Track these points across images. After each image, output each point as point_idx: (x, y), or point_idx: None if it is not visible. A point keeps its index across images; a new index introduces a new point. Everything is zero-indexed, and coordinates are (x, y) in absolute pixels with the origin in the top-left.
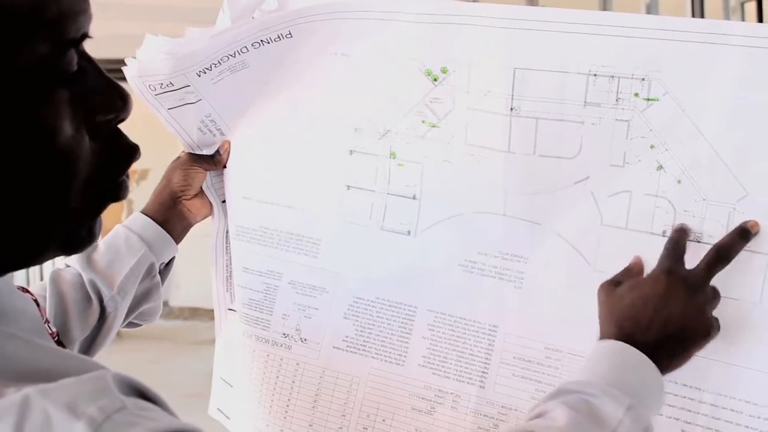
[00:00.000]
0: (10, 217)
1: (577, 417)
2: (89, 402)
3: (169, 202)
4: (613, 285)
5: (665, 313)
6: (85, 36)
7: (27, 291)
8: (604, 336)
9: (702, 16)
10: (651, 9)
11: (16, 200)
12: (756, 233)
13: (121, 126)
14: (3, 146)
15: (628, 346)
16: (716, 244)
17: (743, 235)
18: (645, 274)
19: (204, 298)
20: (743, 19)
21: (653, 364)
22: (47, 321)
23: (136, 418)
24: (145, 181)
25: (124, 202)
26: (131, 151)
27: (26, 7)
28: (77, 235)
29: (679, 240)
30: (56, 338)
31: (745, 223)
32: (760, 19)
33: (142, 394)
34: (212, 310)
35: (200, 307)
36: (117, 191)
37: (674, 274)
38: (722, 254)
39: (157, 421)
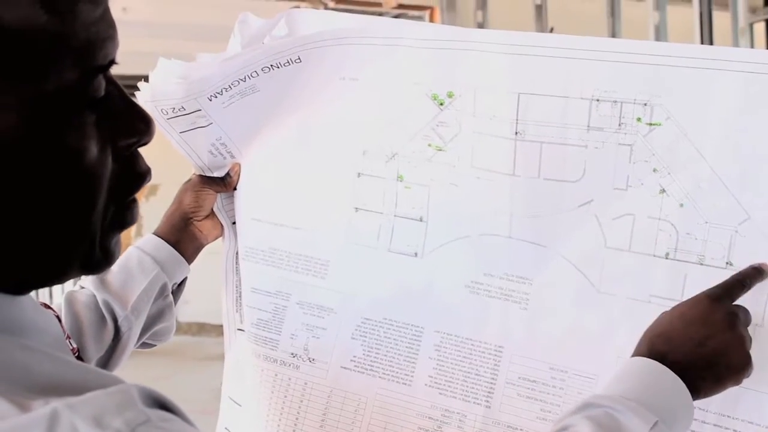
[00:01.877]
0: (36, 236)
1: (598, 430)
2: (115, 415)
3: (180, 224)
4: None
5: (702, 335)
6: (113, 62)
7: (49, 307)
8: (636, 354)
9: (711, 37)
10: (660, 30)
11: (42, 220)
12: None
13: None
14: (32, 168)
15: (658, 363)
16: (740, 275)
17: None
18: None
19: (211, 314)
20: (752, 40)
21: (683, 383)
22: (68, 337)
23: (159, 430)
24: (154, 197)
25: None
26: (145, 175)
27: (56, 36)
28: (96, 256)
29: (745, 277)
30: (77, 354)
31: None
32: None
33: (163, 405)
34: (220, 326)
35: (208, 322)
36: (127, 215)
37: (720, 301)
38: (745, 285)
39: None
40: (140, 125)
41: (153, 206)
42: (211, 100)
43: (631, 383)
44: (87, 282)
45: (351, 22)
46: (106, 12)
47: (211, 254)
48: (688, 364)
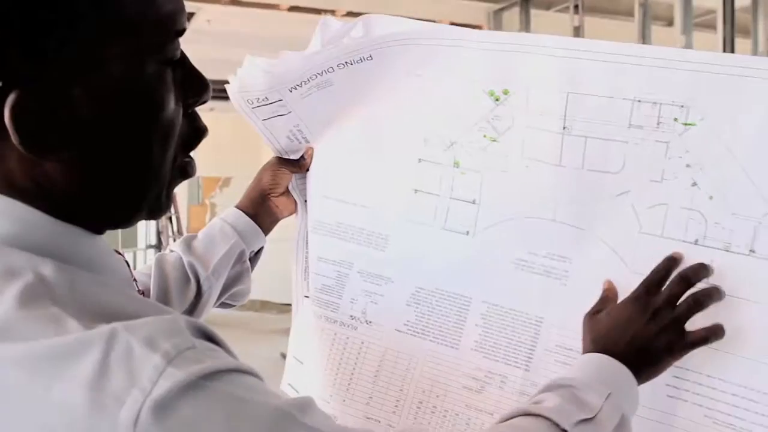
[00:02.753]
0: (121, 179)
1: (564, 402)
2: (165, 339)
3: (259, 199)
4: (594, 314)
5: (630, 334)
6: (185, 30)
7: (119, 253)
8: (585, 351)
9: None
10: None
11: (127, 164)
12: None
13: (211, 141)
14: (124, 115)
15: (606, 356)
16: (656, 270)
17: (705, 268)
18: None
19: (274, 293)
20: None
21: (627, 369)
22: (135, 279)
23: (203, 356)
24: (227, 188)
25: (208, 207)
26: (204, 130)
27: (150, 3)
28: (163, 200)
29: (660, 270)
30: (141, 294)
31: (678, 254)
32: None
33: (209, 337)
34: (281, 304)
35: (270, 300)
36: (187, 168)
37: (640, 301)
38: (685, 281)
39: (219, 360)
40: (203, 86)
41: (227, 196)
42: (291, 92)
43: (587, 371)
44: (176, 246)
45: (419, 26)
46: None
47: (274, 242)
48: (629, 357)
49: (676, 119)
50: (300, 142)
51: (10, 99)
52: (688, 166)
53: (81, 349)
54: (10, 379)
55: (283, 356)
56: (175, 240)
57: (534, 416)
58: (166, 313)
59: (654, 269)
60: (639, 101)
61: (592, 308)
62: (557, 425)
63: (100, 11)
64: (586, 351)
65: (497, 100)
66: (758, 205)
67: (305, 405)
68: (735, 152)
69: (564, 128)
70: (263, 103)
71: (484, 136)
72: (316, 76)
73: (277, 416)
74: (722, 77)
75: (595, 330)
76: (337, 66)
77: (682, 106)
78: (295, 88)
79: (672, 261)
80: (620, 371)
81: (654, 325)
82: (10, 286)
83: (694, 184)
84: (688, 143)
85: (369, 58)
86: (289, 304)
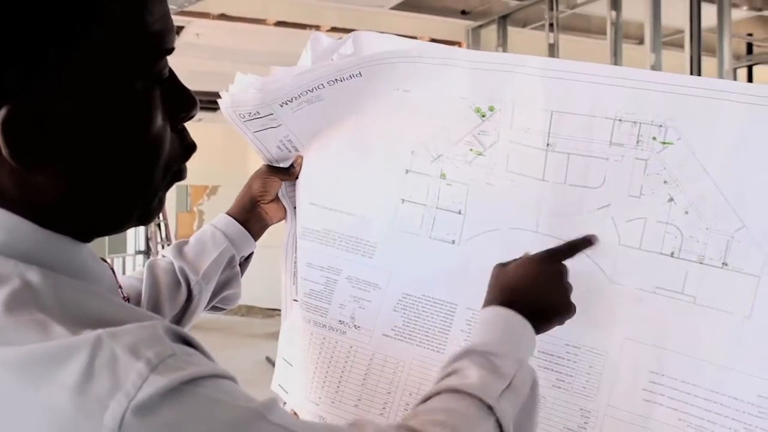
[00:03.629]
0: (110, 189)
1: (485, 375)
2: (147, 347)
3: (249, 205)
4: (502, 266)
5: (542, 288)
6: (173, 49)
7: (104, 260)
8: (490, 302)
9: (699, 76)
10: (655, 70)
11: (116, 175)
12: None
13: (199, 151)
14: (115, 130)
15: (511, 311)
16: (572, 243)
17: (587, 243)
18: None
19: (259, 299)
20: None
21: (530, 325)
22: (120, 287)
23: (183, 363)
24: (215, 196)
25: (196, 214)
26: (193, 146)
27: (141, 26)
28: (151, 209)
29: (576, 245)
30: (127, 302)
31: (592, 236)
32: (750, 81)
33: (187, 341)
34: (266, 309)
35: (255, 305)
36: (180, 173)
37: (554, 262)
38: (573, 251)
39: (198, 366)
40: (191, 102)
41: (214, 204)
42: (282, 107)
43: (496, 332)
44: (167, 251)
45: (408, 44)
46: (168, 9)
47: (260, 248)
48: (530, 310)
49: (654, 138)
50: (290, 151)
51: (2, 114)
52: (665, 182)
53: (67, 354)
54: None
55: (269, 360)
56: (163, 246)
57: (460, 394)
58: (147, 320)
59: (570, 242)
60: (620, 120)
61: (501, 263)
62: (482, 401)
63: (91, 30)
64: (493, 300)
65: (483, 116)
66: (730, 220)
67: (272, 405)
68: (709, 170)
69: (548, 145)
70: (254, 117)
71: (471, 149)
72: (307, 92)
73: (250, 416)
74: (698, 99)
75: (505, 279)
76: (327, 83)
77: (660, 126)
78: (286, 103)
79: (587, 242)
80: (525, 329)
81: (559, 285)
82: None
83: (671, 199)
84: (666, 161)
85: (358, 75)
86: (275, 309)
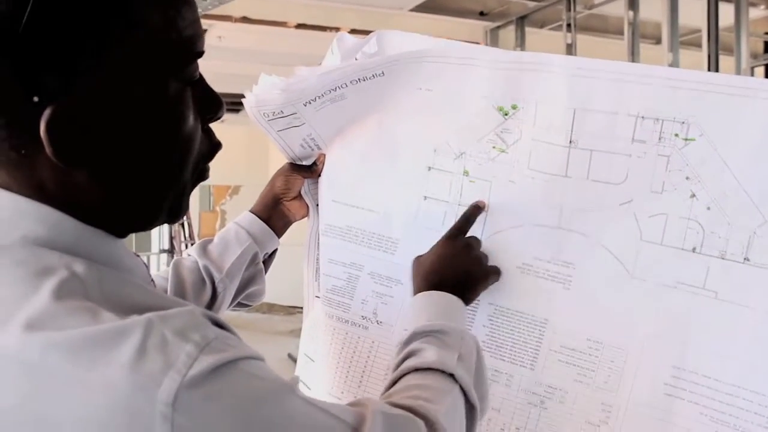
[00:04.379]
0: (142, 186)
1: (436, 349)
2: (193, 331)
3: (272, 203)
4: (417, 258)
5: (455, 264)
6: (203, 53)
7: (138, 256)
8: (419, 290)
9: None
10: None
11: (148, 173)
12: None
13: (222, 151)
14: (146, 130)
15: (438, 292)
16: (465, 215)
17: (478, 209)
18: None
19: (281, 296)
20: None
21: (458, 299)
22: (152, 279)
23: (225, 345)
24: (237, 195)
25: (218, 213)
26: (219, 145)
27: (176, 30)
28: (181, 207)
29: (469, 216)
30: None
31: (480, 201)
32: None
33: (222, 327)
34: (287, 306)
35: (277, 303)
36: (204, 172)
37: (458, 239)
38: (468, 221)
39: (238, 348)
40: (218, 104)
41: (236, 203)
42: (306, 106)
43: (433, 312)
44: (192, 250)
45: (430, 43)
46: (198, 15)
47: (281, 246)
48: (455, 286)
49: (676, 135)
50: (313, 149)
51: (46, 114)
52: (687, 178)
53: (119, 335)
54: (52, 362)
55: (290, 356)
56: (186, 245)
57: (424, 371)
58: (185, 306)
59: (463, 214)
60: (642, 117)
61: (418, 255)
62: (444, 372)
63: (128, 34)
64: (420, 288)
65: (506, 114)
66: (753, 216)
67: (296, 382)
68: (731, 166)
69: (570, 142)
70: (278, 116)
71: (493, 147)
72: (330, 92)
73: (281, 389)
74: (720, 96)
75: (423, 269)
76: (351, 82)
77: (682, 123)
78: (310, 103)
79: (476, 208)
80: (455, 303)
81: (469, 257)
82: (46, 282)
83: (693, 195)
84: (688, 157)
85: (381, 75)
86: (296, 307)
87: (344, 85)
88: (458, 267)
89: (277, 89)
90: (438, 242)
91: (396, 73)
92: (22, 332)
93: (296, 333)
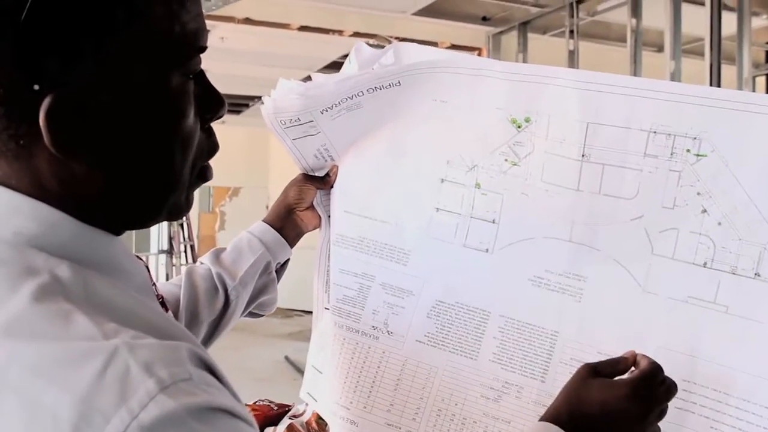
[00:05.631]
0: (140, 181)
1: None
2: (163, 366)
3: (285, 213)
4: (592, 372)
5: (615, 431)
6: (206, 47)
7: (140, 258)
8: (554, 412)
9: (719, 86)
10: (675, 77)
11: (146, 167)
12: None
13: (222, 153)
14: (145, 122)
15: None
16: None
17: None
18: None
19: (279, 299)
20: (754, 91)
21: None
22: (154, 285)
23: (197, 390)
24: (236, 197)
25: (218, 214)
26: (217, 145)
27: (178, 20)
28: (182, 203)
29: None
30: (161, 300)
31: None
32: None
33: (211, 370)
34: (286, 309)
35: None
36: (206, 172)
37: (645, 401)
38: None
39: (213, 396)
40: (219, 103)
41: (235, 205)
42: (322, 114)
43: None
44: (205, 258)
45: (446, 55)
46: (201, 9)
47: None
48: None
49: (688, 150)
50: (326, 160)
51: (45, 102)
52: (698, 194)
53: (82, 359)
54: (12, 376)
55: (287, 359)
56: (185, 246)
57: None
58: (175, 332)
59: (654, 368)
60: (654, 132)
61: (594, 365)
62: None
63: (131, 25)
64: (555, 410)
65: (519, 127)
66: (764, 232)
67: None
68: (743, 182)
69: (582, 156)
70: (295, 123)
71: (506, 160)
72: (347, 99)
73: None
74: (732, 112)
75: (581, 398)
76: (367, 90)
77: (694, 138)
78: (326, 110)
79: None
80: None
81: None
82: (27, 283)
83: (704, 210)
84: (699, 173)
85: (397, 84)
86: (294, 310)
87: (360, 93)
88: None
89: (295, 94)
90: (623, 386)
91: (411, 83)
92: None
93: (294, 336)
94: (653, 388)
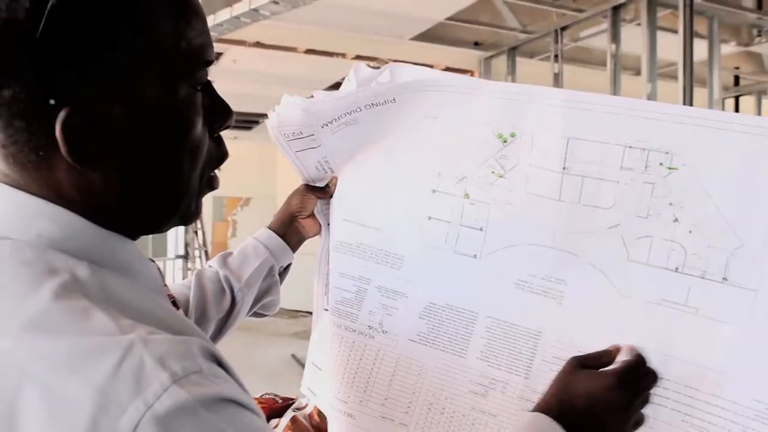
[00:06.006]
0: (152, 188)
1: None
2: (175, 360)
3: (288, 220)
4: (579, 364)
5: (602, 419)
6: (212, 61)
7: (153, 261)
8: (544, 403)
9: (691, 105)
10: (651, 99)
11: (158, 175)
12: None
13: (234, 165)
14: (156, 132)
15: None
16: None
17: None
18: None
19: (285, 301)
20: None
21: None
22: (165, 285)
23: (208, 381)
24: (247, 207)
25: (230, 223)
26: (226, 154)
27: (184, 37)
28: (192, 208)
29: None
30: (172, 299)
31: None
32: (737, 111)
33: (219, 363)
34: (291, 310)
35: (282, 307)
36: (213, 181)
37: (629, 391)
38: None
39: (223, 387)
40: (227, 112)
41: (246, 214)
42: (323, 128)
43: None
44: (213, 261)
45: (438, 74)
46: (207, 26)
47: None
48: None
49: (661, 164)
50: (326, 172)
51: (61, 115)
52: (670, 204)
53: (100, 353)
54: (35, 371)
55: (294, 356)
56: (200, 251)
57: None
58: (185, 328)
59: (638, 359)
60: (630, 147)
61: (580, 357)
62: None
63: (140, 41)
64: (545, 403)
65: (505, 141)
66: (730, 239)
67: None
68: (711, 194)
69: (564, 168)
70: (298, 136)
71: (492, 172)
72: (346, 115)
73: None
74: (703, 129)
75: (568, 390)
76: (365, 107)
77: (667, 153)
78: (327, 125)
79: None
80: None
81: (628, 419)
82: (48, 282)
83: (676, 219)
84: (671, 185)
85: (392, 101)
86: (299, 311)
87: (358, 109)
88: (603, 423)
89: (298, 109)
90: (605, 377)
91: (406, 100)
92: (18, 333)
93: (300, 335)
94: (637, 377)
